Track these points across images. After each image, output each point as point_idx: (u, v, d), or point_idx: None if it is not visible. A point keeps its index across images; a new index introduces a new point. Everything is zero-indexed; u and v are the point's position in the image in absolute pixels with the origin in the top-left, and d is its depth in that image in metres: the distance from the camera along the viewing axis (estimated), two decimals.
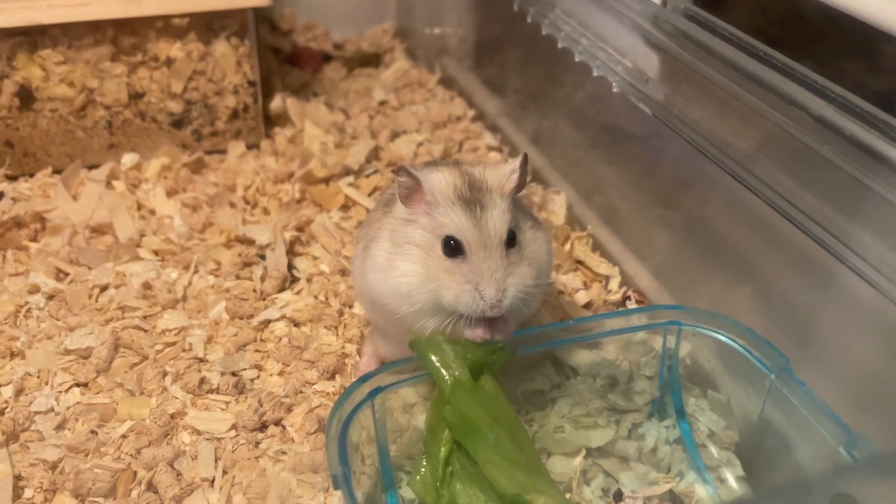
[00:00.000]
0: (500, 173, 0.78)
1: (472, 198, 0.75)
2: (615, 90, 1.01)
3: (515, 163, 0.78)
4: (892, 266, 0.68)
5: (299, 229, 1.20)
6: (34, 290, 1.07)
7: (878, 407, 0.80)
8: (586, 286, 1.12)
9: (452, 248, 0.74)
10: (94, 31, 1.25)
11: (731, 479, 0.85)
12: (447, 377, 0.76)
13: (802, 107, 0.77)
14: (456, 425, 0.76)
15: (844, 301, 0.83)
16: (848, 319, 0.83)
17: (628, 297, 1.08)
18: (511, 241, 0.75)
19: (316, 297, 1.08)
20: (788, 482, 0.79)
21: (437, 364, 0.77)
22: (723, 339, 0.84)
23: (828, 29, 0.89)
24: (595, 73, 1.05)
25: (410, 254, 0.77)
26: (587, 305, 1.08)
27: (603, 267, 1.14)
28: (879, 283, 0.69)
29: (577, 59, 1.09)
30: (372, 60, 1.78)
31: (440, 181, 0.77)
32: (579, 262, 1.16)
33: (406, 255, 0.77)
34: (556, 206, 1.24)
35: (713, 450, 0.87)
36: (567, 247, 1.17)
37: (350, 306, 1.07)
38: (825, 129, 0.75)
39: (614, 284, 1.12)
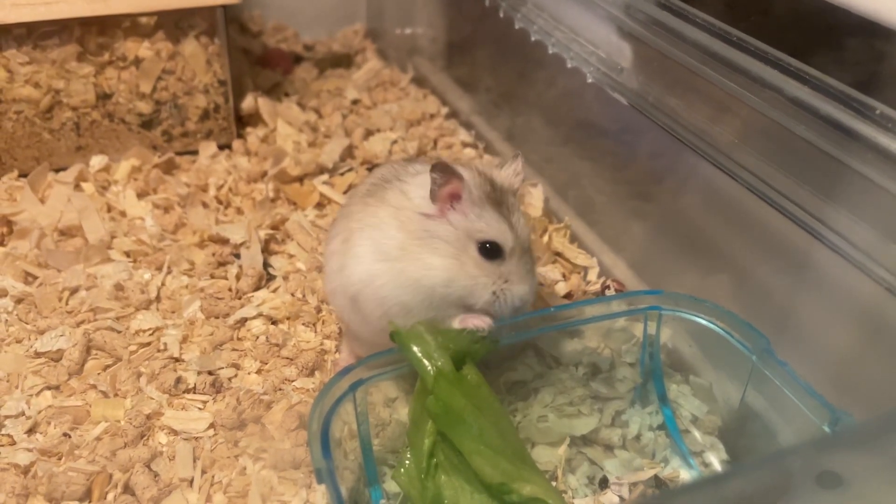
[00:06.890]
0: (507, 174, 0.81)
1: (502, 200, 0.78)
2: (590, 81, 1.01)
3: (518, 163, 0.82)
4: (869, 242, 0.69)
5: (274, 228, 1.19)
6: (1, 293, 1.04)
7: (857, 386, 0.81)
8: (565, 277, 1.11)
9: (491, 251, 0.77)
10: (59, 30, 1.23)
11: (716, 462, 0.85)
12: (429, 367, 0.75)
13: (777, 89, 0.78)
14: (439, 416, 0.75)
15: (821, 282, 0.83)
16: (825, 300, 0.84)
17: (607, 287, 1.08)
18: None
19: (293, 295, 1.07)
20: (769, 455, 0.78)
21: (420, 354, 0.76)
22: (703, 322, 0.84)
23: (799, 15, 0.90)
24: (569, 65, 1.05)
25: (437, 248, 0.77)
26: (567, 296, 1.08)
27: (581, 258, 1.14)
28: (857, 259, 0.69)
29: (550, 52, 1.09)
30: (343, 61, 1.78)
31: (474, 180, 0.78)
32: (558, 253, 1.16)
33: (433, 249, 0.77)
34: (534, 199, 1.24)
35: (697, 434, 0.87)
36: (545, 238, 1.16)
37: (328, 302, 1.06)
38: (801, 110, 0.75)
39: (593, 275, 1.12)
